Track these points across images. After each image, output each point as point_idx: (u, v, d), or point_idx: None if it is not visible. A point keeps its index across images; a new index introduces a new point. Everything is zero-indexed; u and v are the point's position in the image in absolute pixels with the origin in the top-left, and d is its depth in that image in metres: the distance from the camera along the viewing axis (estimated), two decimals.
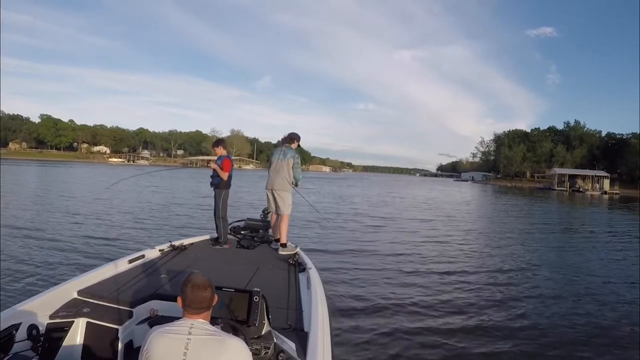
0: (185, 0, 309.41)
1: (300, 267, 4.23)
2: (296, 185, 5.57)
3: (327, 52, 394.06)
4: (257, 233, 5.74)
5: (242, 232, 5.74)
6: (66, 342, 2.56)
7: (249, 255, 4.86)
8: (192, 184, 33.76)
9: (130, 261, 3.85)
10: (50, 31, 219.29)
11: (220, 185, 5.51)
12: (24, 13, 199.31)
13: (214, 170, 5.47)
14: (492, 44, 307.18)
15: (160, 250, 4.41)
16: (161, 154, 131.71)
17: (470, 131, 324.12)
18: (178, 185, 31.33)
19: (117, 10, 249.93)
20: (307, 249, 6.33)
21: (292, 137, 5.65)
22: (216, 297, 1.90)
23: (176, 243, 4.71)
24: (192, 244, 5.05)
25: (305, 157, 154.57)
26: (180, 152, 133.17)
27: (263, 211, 6.18)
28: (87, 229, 10.99)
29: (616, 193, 61.80)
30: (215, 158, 5.57)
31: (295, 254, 4.72)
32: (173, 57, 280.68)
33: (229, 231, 5.64)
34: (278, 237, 5.27)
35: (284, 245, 5.04)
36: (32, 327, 2.47)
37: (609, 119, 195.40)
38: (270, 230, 5.81)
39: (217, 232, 5.43)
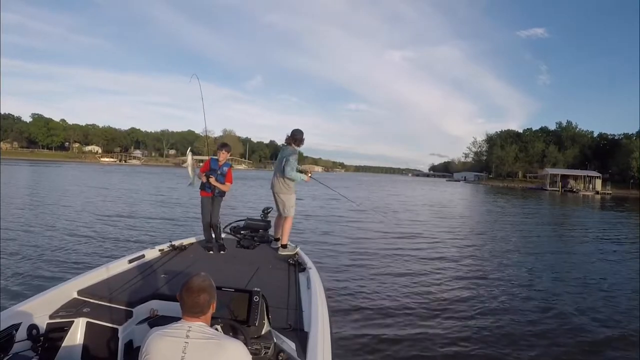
0: (176, 0, 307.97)
1: (300, 267, 4.22)
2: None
3: (318, 53, 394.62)
4: (257, 233, 5.70)
5: (242, 232, 5.69)
6: (66, 342, 2.55)
7: (249, 255, 4.83)
8: (184, 185, 33.44)
9: (130, 261, 3.82)
10: (41, 30, 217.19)
11: (221, 194, 5.35)
12: (14, 12, 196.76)
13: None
14: (483, 44, 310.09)
15: (160, 250, 4.39)
16: (153, 154, 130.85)
17: (461, 131, 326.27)
18: (168, 186, 31.16)
19: (108, 10, 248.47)
20: (307, 249, 6.31)
21: (293, 137, 5.35)
22: (215, 301, 1.83)
23: (176, 243, 4.69)
24: (192, 244, 5.02)
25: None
26: (172, 151, 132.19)
27: (263, 211, 6.16)
28: (86, 229, 10.91)
29: (608, 193, 62.53)
30: (219, 160, 5.15)
31: (295, 254, 4.72)
32: (164, 57, 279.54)
33: (229, 231, 5.61)
34: (279, 236, 5.23)
35: (284, 246, 5.01)
36: (32, 327, 2.45)
37: (600, 119, 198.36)
38: (270, 230, 5.78)
39: (214, 239, 5.13)
